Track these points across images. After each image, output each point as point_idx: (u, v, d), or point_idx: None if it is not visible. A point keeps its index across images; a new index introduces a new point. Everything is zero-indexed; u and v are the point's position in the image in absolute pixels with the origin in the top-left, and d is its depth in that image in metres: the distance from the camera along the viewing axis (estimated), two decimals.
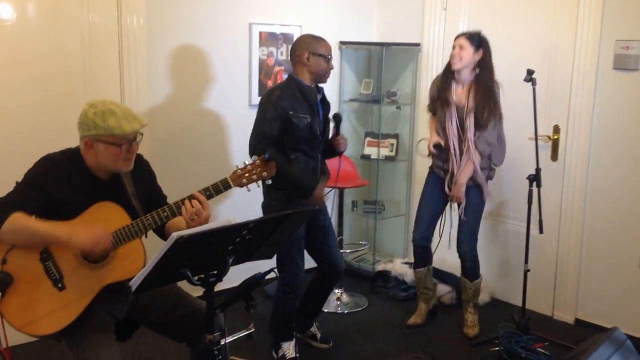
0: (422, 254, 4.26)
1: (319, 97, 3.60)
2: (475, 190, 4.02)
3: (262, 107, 3.48)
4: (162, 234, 2.71)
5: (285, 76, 4.74)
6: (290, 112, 3.42)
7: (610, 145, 4.12)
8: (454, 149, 3.95)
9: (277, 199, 3.54)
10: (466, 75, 3.91)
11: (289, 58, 3.63)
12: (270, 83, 4.68)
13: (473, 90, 3.89)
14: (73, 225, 2.44)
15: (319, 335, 4.01)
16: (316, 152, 3.59)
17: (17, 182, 2.50)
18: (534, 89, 3.89)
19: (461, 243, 4.13)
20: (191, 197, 2.52)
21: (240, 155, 4.59)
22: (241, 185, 2.61)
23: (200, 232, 2.09)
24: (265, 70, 4.68)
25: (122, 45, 3.98)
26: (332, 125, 3.75)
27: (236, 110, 4.59)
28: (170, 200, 2.62)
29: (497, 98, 3.89)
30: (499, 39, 4.53)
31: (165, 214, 2.51)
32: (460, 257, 4.18)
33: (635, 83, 3.96)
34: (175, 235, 1.99)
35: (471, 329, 4.18)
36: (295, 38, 4.68)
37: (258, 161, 2.62)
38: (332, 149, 3.71)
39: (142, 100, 4.10)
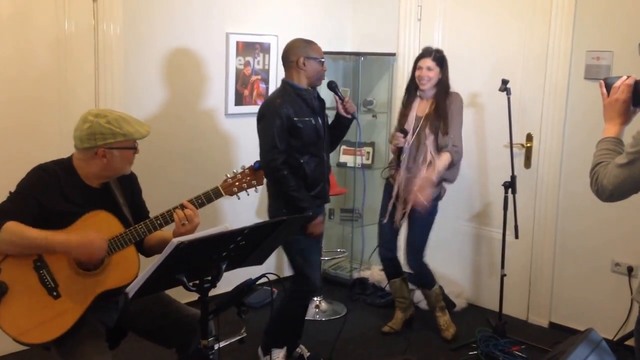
0: (391, 267, 4.33)
1: (315, 95, 3.62)
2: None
3: (268, 119, 3.44)
4: (142, 247, 2.71)
5: (262, 85, 4.78)
6: (295, 118, 3.43)
7: (581, 152, 4.20)
8: (406, 159, 4.04)
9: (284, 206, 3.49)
10: (430, 91, 4.05)
11: (282, 64, 3.62)
12: (247, 92, 4.71)
13: (434, 104, 4.02)
14: (67, 233, 2.44)
15: (307, 355, 3.91)
16: (322, 151, 3.61)
17: (10, 192, 2.50)
18: (508, 98, 4.00)
19: (408, 259, 4.24)
20: (182, 207, 2.57)
21: (217, 164, 4.60)
22: (232, 194, 2.70)
23: (200, 238, 2.12)
24: (242, 79, 4.70)
25: (97, 54, 3.94)
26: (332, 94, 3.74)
27: (212, 119, 4.60)
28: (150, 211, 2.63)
29: (453, 108, 4.00)
30: (473, 49, 4.64)
31: (158, 222, 2.54)
32: (411, 270, 4.29)
33: None
34: (175, 240, 2.02)
35: (447, 330, 4.25)
36: (271, 47, 4.77)
37: (247, 170, 2.70)
38: (340, 124, 3.71)
39: (117, 109, 4.04)
